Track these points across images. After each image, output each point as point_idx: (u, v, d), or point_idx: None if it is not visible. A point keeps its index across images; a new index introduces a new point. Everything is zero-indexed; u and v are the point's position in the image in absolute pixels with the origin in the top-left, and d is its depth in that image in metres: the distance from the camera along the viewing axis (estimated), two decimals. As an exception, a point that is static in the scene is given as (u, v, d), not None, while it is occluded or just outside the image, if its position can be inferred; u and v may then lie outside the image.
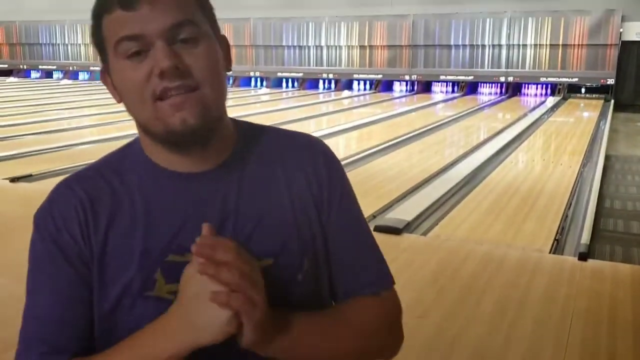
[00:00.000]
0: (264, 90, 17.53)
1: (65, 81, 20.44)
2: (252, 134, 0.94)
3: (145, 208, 0.85)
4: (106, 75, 0.87)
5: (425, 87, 16.23)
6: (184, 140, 0.82)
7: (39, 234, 0.87)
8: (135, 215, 0.84)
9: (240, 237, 0.83)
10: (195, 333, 0.75)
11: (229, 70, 0.89)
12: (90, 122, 10.21)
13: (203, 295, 0.74)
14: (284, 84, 18.11)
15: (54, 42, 21.34)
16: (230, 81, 18.73)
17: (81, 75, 21.27)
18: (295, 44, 17.69)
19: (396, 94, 16.23)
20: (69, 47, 21.26)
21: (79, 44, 21.07)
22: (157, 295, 0.82)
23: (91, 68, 20.96)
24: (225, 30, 18.44)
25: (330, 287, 0.95)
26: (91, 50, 20.84)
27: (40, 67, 21.78)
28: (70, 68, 21.28)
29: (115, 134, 8.33)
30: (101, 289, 0.84)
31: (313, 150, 0.95)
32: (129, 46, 0.79)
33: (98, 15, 0.82)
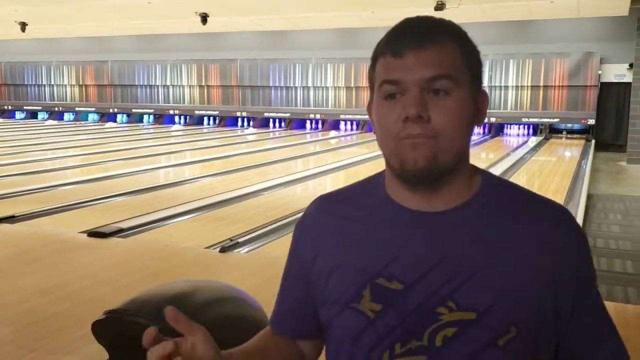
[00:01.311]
0: (251, 130, 17.63)
1: (50, 122, 20.43)
2: (495, 188, 0.95)
3: (372, 233, 0.94)
4: (371, 109, 0.95)
5: (411, 127, 16.39)
6: (412, 179, 0.89)
7: (293, 237, 1.07)
8: (363, 238, 0.94)
9: (448, 286, 0.86)
10: None
11: (479, 125, 0.93)
12: (74, 162, 10.17)
13: None
14: (271, 124, 18.24)
15: (40, 82, 21.40)
16: (217, 121, 18.85)
17: (66, 116, 21.26)
18: (282, 85, 17.89)
19: (381, 134, 16.35)
20: (55, 88, 21.31)
21: (65, 85, 21.13)
22: (360, 309, 0.90)
23: (76, 109, 21.00)
24: (211, 70, 18.77)
25: None
26: (77, 90, 20.94)
27: (25, 107, 21.77)
28: (56, 109, 21.29)
29: (100, 174, 8.31)
30: (323, 296, 0.96)
31: (561, 223, 0.92)
32: (388, 89, 0.88)
33: (375, 57, 0.92)
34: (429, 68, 0.85)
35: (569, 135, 14.85)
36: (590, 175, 8.92)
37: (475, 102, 0.91)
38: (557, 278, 0.88)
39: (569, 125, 14.92)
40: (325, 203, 1.04)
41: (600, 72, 14.22)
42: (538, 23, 14.71)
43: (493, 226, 0.89)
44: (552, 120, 14.95)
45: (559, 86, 14.74)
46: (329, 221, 1.00)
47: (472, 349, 0.84)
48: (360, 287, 0.91)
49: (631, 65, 12.55)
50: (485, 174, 0.96)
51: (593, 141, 13.63)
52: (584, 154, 11.70)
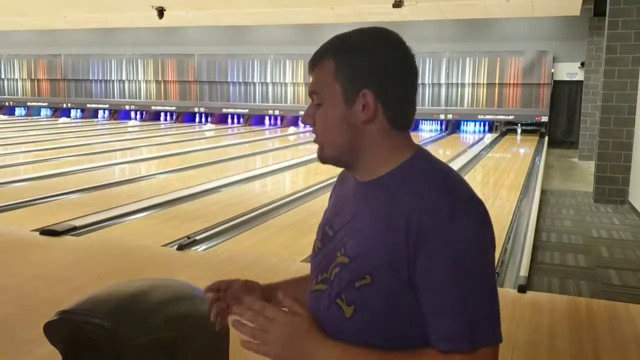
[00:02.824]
0: (209, 126, 17.44)
1: (1, 117, 19.79)
2: (410, 168, 1.09)
3: (338, 196, 1.23)
4: None
5: (369, 123, 16.50)
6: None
7: None
8: (334, 199, 1.24)
9: (346, 237, 1.10)
10: None
11: (368, 118, 1.08)
12: (26, 158, 9.88)
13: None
14: (229, 120, 18.08)
15: (-10, 76, 20.71)
16: (174, 117, 18.59)
17: (18, 111, 20.66)
18: (240, 80, 17.76)
19: (340, 130, 16.42)
20: (5, 82, 20.65)
21: (16, 79, 20.51)
22: (315, 245, 1.20)
23: (28, 103, 20.41)
24: (168, 65, 18.47)
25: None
26: (28, 85, 20.34)
27: (-26, 101, 21.05)
28: (7, 103, 20.64)
29: (53, 171, 8.10)
30: None
31: (434, 199, 1.02)
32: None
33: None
34: (310, 85, 1.13)
35: (523, 132, 15.19)
36: (544, 172, 9.13)
37: (354, 104, 1.07)
38: (416, 247, 0.99)
39: (523, 122, 15.25)
40: (341, 173, 1.27)
41: (553, 70, 14.59)
42: (494, 22, 14.98)
43: (388, 196, 1.07)
44: (507, 117, 15.27)
45: (513, 84, 15.06)
46: (337, 183, 1.27)
47: (342, 285, 1.07)
48: (319, 230, 1.21)
49: (582, 64, 12.90)
50: (415, 155, 1.10)
51: (546, 138, 13.97)
52: (537, 151, 11.98)
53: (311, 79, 1.14)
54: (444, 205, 1.00)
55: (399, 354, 1.02)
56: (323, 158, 1.16)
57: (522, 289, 3.67)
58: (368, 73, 1.07)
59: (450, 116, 15.61)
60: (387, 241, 1.02)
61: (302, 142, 13.71)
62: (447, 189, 1.05)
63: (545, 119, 14.69)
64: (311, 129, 1.16)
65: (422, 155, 1.10)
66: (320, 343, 1.03)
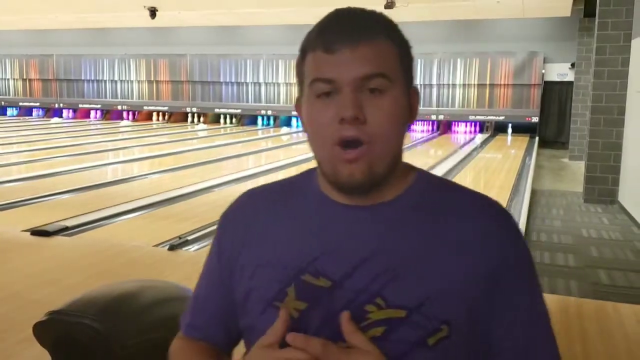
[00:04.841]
0: (202, 126, 17.41)
1: (-8, 116, 19.69)
2: (429, 184, 0.91)
3: (301, 227, 0.89)
4: (300, 107, 0.89)
5: (361, 124, 16.53)
6: (346, 190, 0.85)
7: (217, 229, 1.00)
8: (292, 233, 0.89)
9: (377, 282, 0.80)
10: None
11: (411, 122, 0.88)
12: (17, 159, 9.84)
13: None
14: (221, 120, 18.05)
15: (-20, 76, 20.60)
16: (166, 117, 18.54)
17: (9, 111, 20.53)
18: (233, 80, 17.74)
19: (333, 130, 16.43)
20: (-4, 82, 20.56)
21: (7, 79, 20.38)
22: (286, 309, 0.84)
23: (20, 103, 20.29)
24: (161, 65, 18.39)
25: None
26: (20, 85, 20.22)
27: (-36, 101, 20.92)
28: (-2, 103, 20.55)
29: (45, 171, 8.07)
30: (246, 292, 0.90)
31: (496, 218, 0.88)
32: (321, 87, 0.82)
33: (304, 49, 0.87)
34: (364, 66, 0.80)
35: (513, 133, 15.26)
36: (534, 172, 9.18)
37: (409, 99, 0.86)
38: (492, 276, 0.82)
39: (514, 123, 15.31)
40: (254, 197, 0.99)
41: (543, 71, 14.66)
42: (485, 23, 15.04)
43: (425, 221, 0.85)
44: (497, 117, 15.33)
45: (504, 84, 15.12)
46: (258, 215, 0.93)
47: (401, 350, 0.78)
48: (285, 284, 0.84)
49: (573, 65, 12.97)
50: (420, 172, 0.92)
51: (537, 138, 14.03)
52: (528, 151, 12.03)
53: (356, 56, 0.80)
54: (509, 226, 0.88)
55: None
56: (374, 178, 0.82)
57: (511, 289, 3.69)
58: (413, 67, 0.89)
59: (441, 117, 15.65)
60: (460, 276, 0.81)
61: (295, 142, 13.71)
62: (497, 204, 0.91)
63: (535, 119, 14.76)
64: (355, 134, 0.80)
65: (421, 169, 0.94)
66: None
